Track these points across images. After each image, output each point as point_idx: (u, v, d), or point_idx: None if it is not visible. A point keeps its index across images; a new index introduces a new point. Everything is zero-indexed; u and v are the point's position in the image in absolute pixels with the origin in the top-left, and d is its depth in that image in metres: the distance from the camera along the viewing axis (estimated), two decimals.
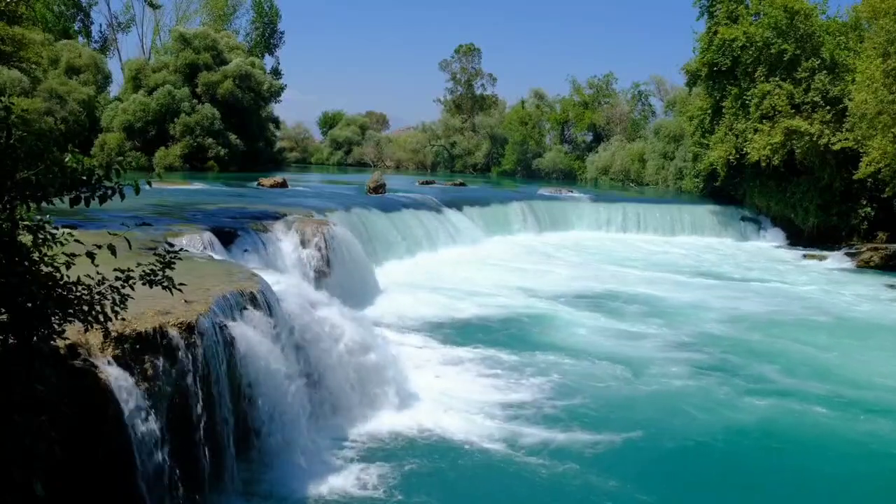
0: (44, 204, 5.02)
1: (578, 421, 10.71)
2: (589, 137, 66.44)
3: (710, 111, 36.40)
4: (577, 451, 9.70)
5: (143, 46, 66.68)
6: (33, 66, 40.29)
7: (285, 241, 16.46)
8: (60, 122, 42.13)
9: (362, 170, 67.33)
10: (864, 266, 28.15)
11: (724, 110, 34.65)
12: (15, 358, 4.83)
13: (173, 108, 47.64)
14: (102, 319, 5.32)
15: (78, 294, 5.17)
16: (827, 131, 30.31)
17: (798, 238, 33.39)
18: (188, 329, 7.38)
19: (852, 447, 10.46)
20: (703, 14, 35.99)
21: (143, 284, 5.63)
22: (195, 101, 48.75)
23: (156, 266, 5.66)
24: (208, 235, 14.30)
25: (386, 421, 10.28)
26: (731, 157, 33.64)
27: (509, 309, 17.82)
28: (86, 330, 5.53)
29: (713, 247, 32.31)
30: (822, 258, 29.58)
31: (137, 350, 6.77)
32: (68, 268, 5.12)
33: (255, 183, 32.78)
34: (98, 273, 5.36)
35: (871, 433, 10.91)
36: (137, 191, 5.12)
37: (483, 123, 72.84)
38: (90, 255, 5.13)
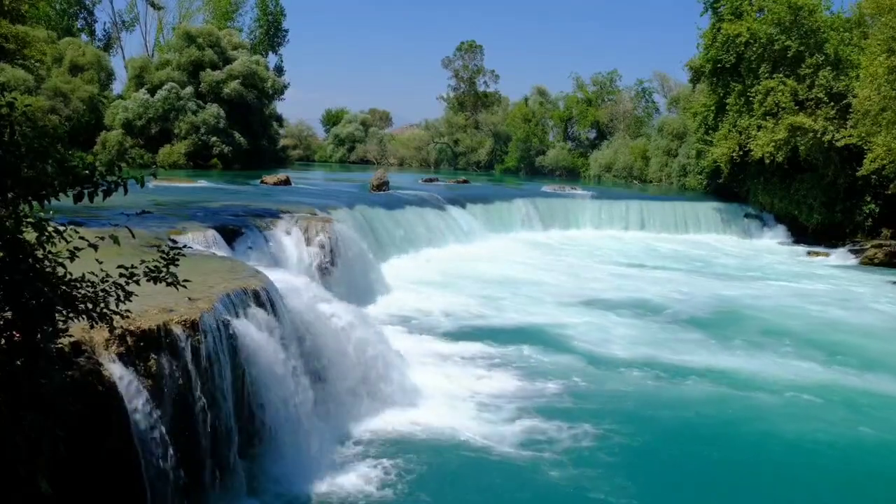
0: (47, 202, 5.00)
1: (587, 420, 10.64)
2: (592, 135, 66.44)
3: (713, 108, 36.32)
4: (583, 451, 9.66)
5: (146, 45, 66.86)
6: (37, 65, 40.34)
7: (289, 239, 16.45)
8: (64, 120, 42.17)
9: (365, 167, 67.30)
10: (869, 263, 28.13)
11: (727, 107, 34.57)
12: (19, 355, 4.82)
13: (177, 106, 47.69)
14: (108, 317, 5.31)
15: (83, 291, 5.16)
16: (831, 128, 30.22)
17: (802, 235, 33.30)
18: (192, 326, 7.37)
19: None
20: (707, 10, 35.90)
21: (148, 281, 5.62)
22: (199, 99, 48.79)
23: (160, 263, 5.65)
24: (212, 233, 14.30)
25: (390, 418, 10.26)
26: (734, 154, 33.56)
27: (513, 307, 17.78)
28: (91, 327, 5.52)
29: (716, 244, 32.24)
30: (826, 255, 29.54)
31: (141, 347, 6.76)
32: (72, 260, 5.11)
33: (259, 180, 32.80)
34: (102, 270, 5.36)
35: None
36: (142, 184, 5.10)
37: (486, 121, 72.82)
38: (94, 246, 5.11)
